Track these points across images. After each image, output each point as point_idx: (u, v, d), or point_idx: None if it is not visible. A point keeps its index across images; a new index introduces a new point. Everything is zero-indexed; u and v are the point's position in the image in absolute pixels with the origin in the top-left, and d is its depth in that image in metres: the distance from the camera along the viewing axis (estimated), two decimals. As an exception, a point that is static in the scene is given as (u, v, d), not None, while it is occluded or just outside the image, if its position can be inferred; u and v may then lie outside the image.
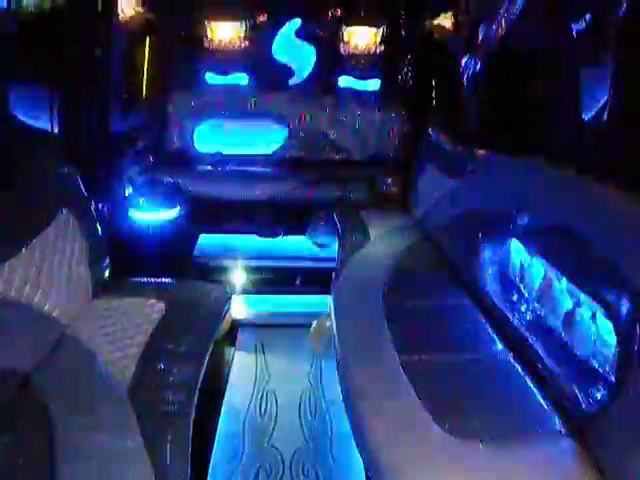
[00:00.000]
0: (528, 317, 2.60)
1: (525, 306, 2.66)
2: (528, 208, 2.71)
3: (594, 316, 2.10)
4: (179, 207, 4.71)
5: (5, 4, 3.77)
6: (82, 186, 3.19)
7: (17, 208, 2.59)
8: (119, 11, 4.30)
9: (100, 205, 3.84)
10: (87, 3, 3.98)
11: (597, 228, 2.15)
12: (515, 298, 2.76)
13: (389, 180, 5.14)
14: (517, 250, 2.81)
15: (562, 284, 2.35)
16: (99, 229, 3.23)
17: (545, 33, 3.55)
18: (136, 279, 3.41)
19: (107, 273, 3.24)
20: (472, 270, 3.10)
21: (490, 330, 2.71)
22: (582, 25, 3.16)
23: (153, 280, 3.39)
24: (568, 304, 2.30)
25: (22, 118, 3.86)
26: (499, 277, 2.95)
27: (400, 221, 4.43)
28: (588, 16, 3.11)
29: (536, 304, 2.58)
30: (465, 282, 3.20)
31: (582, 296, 2.17)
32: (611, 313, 1.91)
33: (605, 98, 3.00)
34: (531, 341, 2.43)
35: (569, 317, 2.29)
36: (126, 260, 3.71)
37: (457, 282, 3.27)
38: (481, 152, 3.71)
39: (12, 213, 2.53)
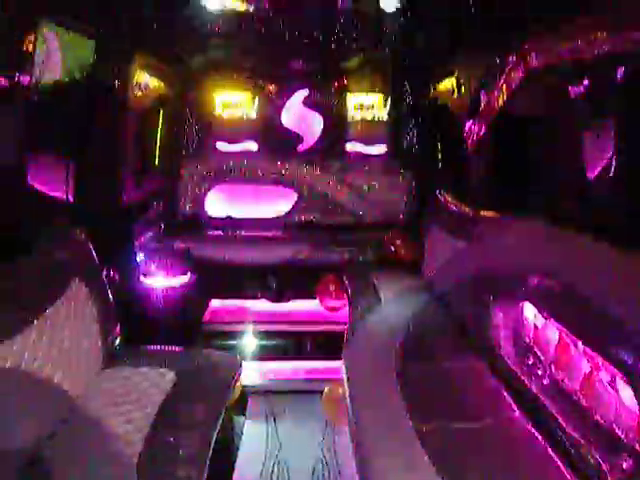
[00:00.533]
0: (545, 382, 2.54)
1: (541, 370, 2.61)
2: (539, 270, 2.70)
3: (613, 380, 2.05)
4: (189, 273, 4.73)
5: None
6: (94, 254, 3.23)
7: (29, 278, 2.62)
8: (134, 84, 4.47)
9: (111, 272, 3.88)
10: (104, 77, 4.17)
11: (610, 290, 2.13)
12: (531, 362, 2.71)
13: (398, 242, 5.16)
14: (530, 313, 2.78)
15: (578, 347, 2.31)
16: (110, 298, 3.24)
17: (545, 98, 3.66)
18: (146, 347, 3.39)
19: (117, 342, 3.23)
20: (485, 333, 3.05)
21: (506, 395, 2.65)
22: (581, 89, 3.26)
23: (163, 348, 3.37)
24: (585, 368, 2.25)
25: (38, 186, 3.95)
26: (513, 340, 2.91)
27: (411, 283, 4.41)
28: (586, 81, 3.22)
29: (553, 368, 2.53)
30: (479, 346, 3.15)
31: (600, 360, 2.12)
32: (630, 378, 1.86)
33: (606, 159, 3.06)
34: (550, 407, 2.36)
35: (587, 381, 2.23)
36: (137, 328, 3.71)
37: (470, 346, 3.22)
38: (488, 214, 3.73)
39: (24, 283, 2.56)
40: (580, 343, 2.27)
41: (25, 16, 3.23)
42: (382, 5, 3.68)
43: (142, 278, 4.54)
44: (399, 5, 3.65)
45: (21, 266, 2.61)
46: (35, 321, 2.38)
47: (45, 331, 2.43)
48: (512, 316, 2.93)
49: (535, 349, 2.72)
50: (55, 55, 3.93)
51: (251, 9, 3.87)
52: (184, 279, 4.68)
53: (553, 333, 2.53)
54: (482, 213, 3.81)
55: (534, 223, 3.00)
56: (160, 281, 4.55)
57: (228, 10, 3.78)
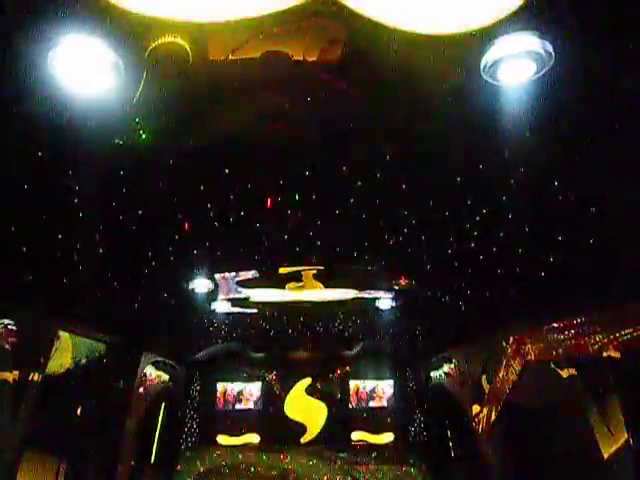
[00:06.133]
0: None
1: None
2: None
3: None
4: None
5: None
6: None
7: None
8: (139, 380, 4.47)
9: None
10: (111, 376, 4.21)
11: None
12: None
13: None
14: None
15: None
16: None
17: (545, 386, 3.66)
18: None
19: None
20: None
21: None
22: (572, 371, 3.29)
23: None
24: None
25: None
26: None
27: None
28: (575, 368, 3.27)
29: None
30: None
31: None
32: None
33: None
34: None
35: None
36: None
37: None
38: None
39: None
40: None
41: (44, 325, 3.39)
42: (377, 304, 3.96)
43: None
44: (394, 304, 3.91)
45: None
46: None
47: None
48: None
49: None
50: (65, 350, 4.02)
51: (254, 311, 4.17)
52: None
53: None
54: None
55: None
56: None
57: (234, 312, 4.07)
